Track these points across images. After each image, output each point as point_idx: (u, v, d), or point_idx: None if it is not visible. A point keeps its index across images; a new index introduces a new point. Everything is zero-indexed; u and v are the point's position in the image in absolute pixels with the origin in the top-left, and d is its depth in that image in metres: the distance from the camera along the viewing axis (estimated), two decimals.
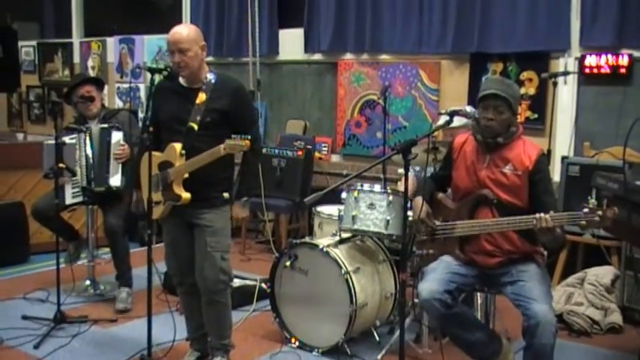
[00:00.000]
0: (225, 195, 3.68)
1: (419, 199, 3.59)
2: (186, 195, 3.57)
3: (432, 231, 3.59)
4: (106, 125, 4.84)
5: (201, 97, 3.59)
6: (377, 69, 6.40)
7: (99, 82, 5.14)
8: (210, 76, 3.64)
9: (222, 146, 3.41)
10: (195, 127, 3.57)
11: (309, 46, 6.79)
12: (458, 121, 3.52)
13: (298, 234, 6.53)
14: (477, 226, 3.39)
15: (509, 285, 3.32)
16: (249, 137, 3.37)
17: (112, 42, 8.44)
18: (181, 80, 3.65)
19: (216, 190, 3.66)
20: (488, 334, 3.53)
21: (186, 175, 3.56)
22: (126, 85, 8.11)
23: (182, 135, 3.59)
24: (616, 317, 4.55)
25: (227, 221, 3.70)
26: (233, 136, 3.38)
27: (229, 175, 3.73)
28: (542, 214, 3.12)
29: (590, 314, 4.54)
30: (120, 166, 4.78)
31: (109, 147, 4.78)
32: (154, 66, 3.62)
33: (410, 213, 3.64)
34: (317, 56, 6.80)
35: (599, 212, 3.01)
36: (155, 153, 3.59)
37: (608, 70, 5.20)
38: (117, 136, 4.77)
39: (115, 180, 4.77)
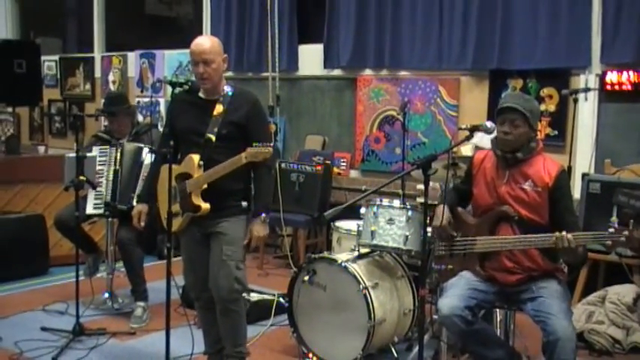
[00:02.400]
0: (244, 204, 3.69)
1: (441, 207, 3.57)
2: (205, 205, 3.58)
3: (451, 239, 3.56)
4: (142, 145, 4.87)
5: (219, 108, 3.62)
6: (396, 85, 6.40)
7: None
8: (228, 89, 3.67)
9: (243, 154, 3.43)
10: (213, 138, 3.59)
11: (328, 62, 6.81)
12: (479, 138, 3.51)
13: (316, 249, 6.52)
14: (498, 242, 3.37)
15: (529, 302, 3.29)
16: (271, 144, 3.39)
17: (132, 57, 8.52)
18: (200, 92, 3.68)
19: (234, 200, 3.67)
20: (508, 351, 3.50)
21: (205, 186, 3.57)
22: (146, 100, 8.16)
23: (199, 147, 3.60)
24: (638, 337, 4.49)
25: (243, 230, 3.69)
26: (254, 144, 3.40)
27: (247, 187, 3.73)
28: (563, 234, 3.10)
29: (612, 333, 4.49)
30: None
31: (141, 168, 4.81)
32: (175, 80, 3.65)
33: (430, 226, 3.64)
34: (336, 72, 6.82)
35: (626, 232, 2.98)
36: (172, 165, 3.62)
37: (629, 87, 5.17)
38: (149, 158, 4.78)
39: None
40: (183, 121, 3.69)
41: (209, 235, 3.68)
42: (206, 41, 3.60)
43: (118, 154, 4.85)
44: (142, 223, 3.87)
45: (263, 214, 3.65)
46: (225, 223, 3.64)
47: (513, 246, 3.33)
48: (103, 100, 5.16)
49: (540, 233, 3.20)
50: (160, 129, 6.21)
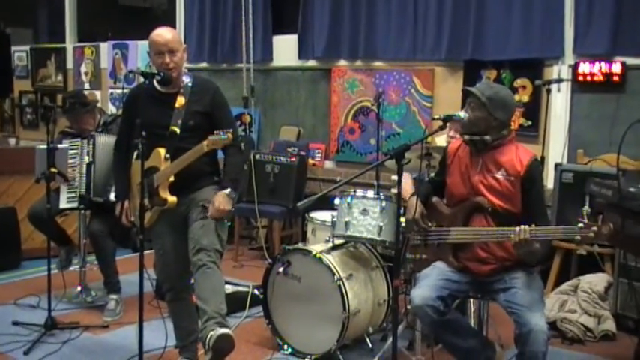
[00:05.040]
0: (216, 179, 3.70)
1: (414, 199, 3.58)
2: (172, 199, 3.57)
3: (425, 232, 3.58)
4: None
5: (180, 100, 3.61)
6: (371, 76, 6.40)
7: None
8: (187, 79, 3.66)
9: (204, 143, 3.41)
10: (178, 130, 3.59)
11: (303, 53, 6.79)
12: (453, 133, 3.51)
13: (291, 240, 6.51)
14: (470, 234, 3.39)
15: (501, 292, 3.30)
16: (232, 130, 3.40)
17: (105, 47, 8.43)
18: (156, 85, 3.65)
19: (205, 178, 3.69)
20: (481, 341, 3.52)
21: (172, 179, 3.55)
22: (119, 91, 8.08)
23: (165, 140, 3.59)
24: (609, 325, 4.54)
25: None
26: (215, 131, 3.40)
27: (215, 170, 3.75)
28: (522, 227, 3.12)
29: (584, 322, 4.53)
30: None
31: None
32: (148, 71, 3.62)
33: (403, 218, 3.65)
34: (311, 63, 6.80)
35: (594, 228, 3.00)
36: (138, 161, 3.58)
37: (601, 78, 5.22)
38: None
39: (113, 195, 4.74)
40: (145, 115, 3.59)
41: (186, 210, 3.64)
42: (168, 31, 3.61)
43: (90, 147, 4.79)
44: (132, 218, 3.83)
45: (229, 189, 3.58)
46: (200, 192, 3.63)
47: (477, 238, 3.36)
48: (62, 100, 5.03)
49: (514, 223, 3.20)
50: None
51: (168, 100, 3.62)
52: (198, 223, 3.57)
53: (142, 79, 3.60)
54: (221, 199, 3.55)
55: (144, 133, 3.41)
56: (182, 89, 3.63)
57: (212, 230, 3.55)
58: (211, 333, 3.36)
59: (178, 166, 3.53)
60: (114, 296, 4.90)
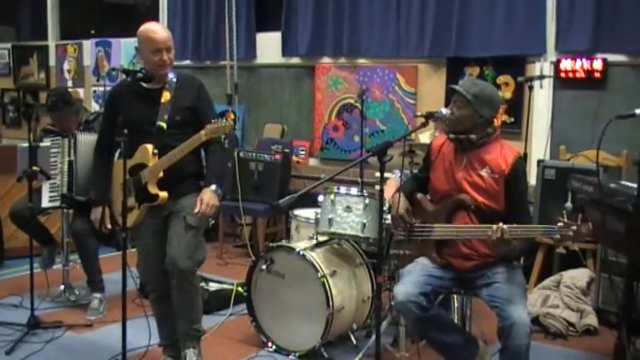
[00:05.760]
0: (201, 183, 3.67)
1: (397, 196, 3.58)
2: (163, 194, 3.57)
3: (409, 228, 3.58)
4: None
5: (166, 96, 3.61)
6: (355, 73, 6.40)
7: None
8: (171, 75, 3.67)
9: (202, 132, 3.42)
10: (165, 126, 3.58)
11: (286, 50, 6.78)
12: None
13: (276, 238, 6.51)
14: (453, 230, 3.40)
15: (484, 287, 3.31)
16: (233, 117, 3.39)
17: (88, 45, 8.38)
18: (142, 82, 3.64)
19: (190, 182, 3.68)
20: (464, 336, 3.53)
21: (161, 175, 3.54)
22: (102, 89, 8.04)
23: (152, 136, 3.58)
24: (591, 319, 4.58)
25: None
26: (212, 120, 3.40)
27: (201, 170, 3.73)
28: (500, 225, 3.14)
29: (566, 316, 4.56)
30: None
31: None
32: (130, 68, 3.61)
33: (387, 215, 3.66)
34: (295, 60, 6.80)
35: (574, 227, 3.02)
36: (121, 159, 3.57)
37: (583, 75, 5.26)
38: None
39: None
40: (130, 112, 3.62)
41: (168, 216, 3.64)
42: (163, 29, 3.65)
43: (71, 145, 4.76)
44: (109, 226, 3.83)
45: (214, 185, 3.58)
46: (183, 199, 3.63)
47: (457, 235, 3.37)
48: (46, 98, 4.98)
49: (497, 221, 3.21)
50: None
51: (153, 96, 3.62)
52: (177, 238, 3.58)
53: (124, 77, 3.58)
54: (208, 196, 3.55)
55: (125, 131, 3.41)
56: (167, 85, 3.63)
57: (191, 247, 3.58)
58: (186, 351, 3.68)
59: (170, 160, 3.52)
60: (97, 295, 4.88)
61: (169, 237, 3.61)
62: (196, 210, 3.52)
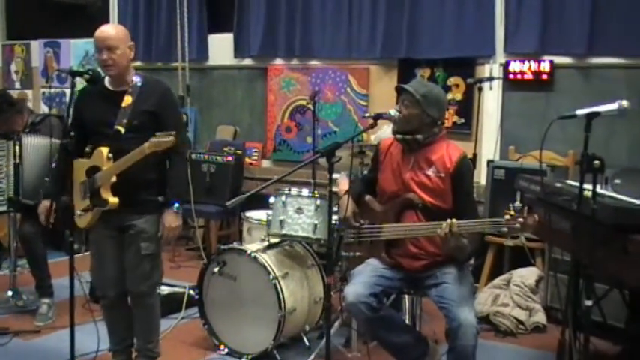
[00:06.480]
0: (160, 199, 3.61)
1: (345, 199, 3.60)
2: (113, 200, 3.49)
3: (357, 231, 3.60)
4: (58, 141, 4.60)
5: (127, 99, 3.53)
6: (307, 74, 6.41)
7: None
8: (137, 79, 3.58)
9: (146, 145, 3.34)
10: (122, 130, 3.50)
11: (238, 52, 6.76)
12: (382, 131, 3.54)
13: (229, 240, 6.46)
14: (402, 230, 3.42)
15: (433, 287, 3.35)
16: (174, 133, 3.33)
17: (36, 46, 8.23)
18: (107, 83, 3.59)
19: (148, 194, 3.58)
20: (414, 336, 3.56)
21: (114, 179, 3.48)
22: (52, 90, 7.91)
23: (109, 139, 3.51)
24: (540, 317, 4.65)
25: (159, 226, 3.62)
26: (157, 133, 3.33)
27: (161, 178, 3.62)
28: (449, 220, 3.17)
29: (516, 315, 4.63)
30: None
31: (51, 164, 4.51)
32: (76, 69, 3.54)
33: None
34: (247, 61, 6.78)
35: (520, 219, 3.08)
36: (82, 160, 3.54)
37: (531, 76, 5.35)
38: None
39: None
40: (91, 113, 3.59)
41: (123, 229, 3.59)
42: (110, 28, 3.54)
43: (17, 148, 4.66)
44: (52, 220, 3.75)
45: (175, 204, 3.57)
46: (141, 220, 3.56)
47: (407, 234, 3.40)
48: None
49: (445, 219, 3.24)
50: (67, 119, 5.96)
51: (115, 99, 3.54)
52: (133, 262, 3.59)
53: (76, 79, 3.50)
54: (170, 219, 3.56)
55: (72, 133, 3.36)
56: (131, 88, 3.55)
57: (145, 272, 3.60)
58: None
59: (120, 167, 3.45)
60: (46, 300, 4.79)
61: (126, 261, 3.61)
62: (160, 234, 3.55)
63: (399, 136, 3.50)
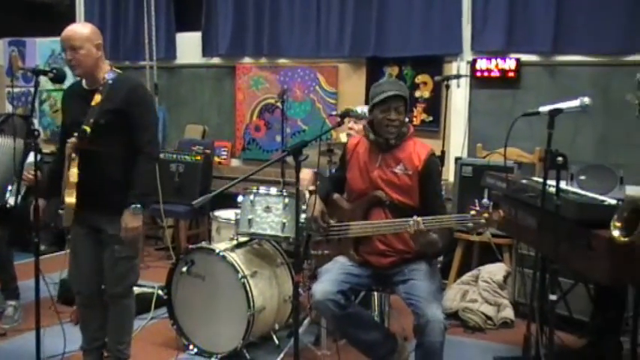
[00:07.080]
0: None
1: (312, 198, 3.60)
2: (68, 201, 3.44)
3: (325, 230, 3.60)
4: (22, 140, 4.50)
5: (97, 98, 3.48)
6: (276, 73, 6.40)
7: None
8: (109, 77, 3.53)
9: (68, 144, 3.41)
10: (88, 129, 3.45)
11: (207, 50, 6.73)
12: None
13: (199, 239, 6.43)
14: (369, 227, 3.43)
15: (401, 284, 3.36)
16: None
17: (0, 44, 8.11)
18: (83, 83, 3.57)
19: (113, 195, 3.50)
20: (383, 333, 3.57)
21: (75, 180, 3.43)
22: (17, 90, 7.81)
23: (77, 138, 3.46)
24: (508, 312, 4.70)
25: None
26: (75, 134, 3.38)
27: (127, 179, 3.52)
28: (416, 218, 3.19)
29: (484, 310, 4.67)
30: (24, 187, 4.54)
31: (22, 166, 4.33)
32: (41, 68, 3.49)
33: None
34: (215, 60, 6.75)
35: (486, 215, 3.10)
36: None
37: (497, 74, 5.40)
38: (32, 157, 4.25)
39: (12, 199, 4.55)
40: (68, 113, 3.60)
41: (99, 230, 3.56)
42: (75, 27, 3.50)
43: None
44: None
45: (132, 205, 3.46)
46: (110, 223, 3.50)
47: (376, 231, 3.41)
48: None
49: (412, 216, 3.26)
50: (34, 120, 5.90)
51: (88, 98, 3.50)
52: (109, 264, 3.57)
53: (42, 78, 3.46)
54: (126, 220, 3.46)
55: (36, 132, 3.33)
56: (102, 87, 3.50)
57: (121, 274, 3.59)
58: None
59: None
60: (12, 302, 4.72)
61: (104, 261, 3.59)
62: (121, 235, 3.50)
63: (372, 137, 3.51)
